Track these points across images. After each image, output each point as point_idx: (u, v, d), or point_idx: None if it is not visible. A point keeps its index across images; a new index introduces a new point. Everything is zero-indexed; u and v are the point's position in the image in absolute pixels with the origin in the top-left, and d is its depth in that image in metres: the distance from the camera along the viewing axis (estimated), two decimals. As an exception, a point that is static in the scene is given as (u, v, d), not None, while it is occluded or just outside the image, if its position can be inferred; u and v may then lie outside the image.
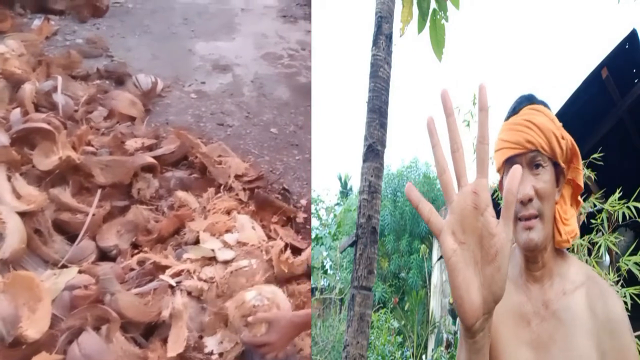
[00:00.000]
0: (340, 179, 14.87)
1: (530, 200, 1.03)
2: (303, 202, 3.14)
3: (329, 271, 9.57)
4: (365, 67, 2.83)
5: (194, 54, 4.87)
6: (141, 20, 5.25)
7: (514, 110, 1.13)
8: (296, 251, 2.72)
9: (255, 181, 3.10)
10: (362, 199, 2.61)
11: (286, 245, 2.62)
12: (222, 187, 2.99)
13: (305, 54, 5.19)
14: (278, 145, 3.72)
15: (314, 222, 10.55)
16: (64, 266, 2.31)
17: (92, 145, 3.04)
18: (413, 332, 6.94)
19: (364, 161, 2.68)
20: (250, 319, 1.98)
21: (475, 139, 0.71)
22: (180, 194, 2.86)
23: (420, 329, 7.17)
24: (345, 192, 14.37)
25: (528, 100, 1.13)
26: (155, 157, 3.00)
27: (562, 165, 1.09)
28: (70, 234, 2.46)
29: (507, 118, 1.14)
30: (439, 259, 7.38)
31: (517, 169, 0.68)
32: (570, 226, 1.09)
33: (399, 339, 6.45)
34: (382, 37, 2.81)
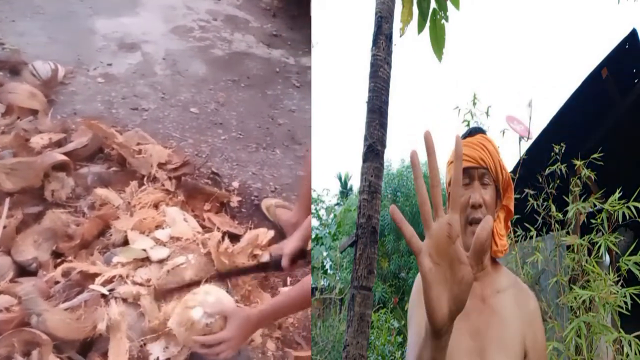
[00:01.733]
0: (340, 179, 14.78)
1: (480, 205, 1.27)
2: (235, 184, 3.01)
3: (329, 271, 9.52)
4: (365, 67, 2.85)
5: (96, 33, 4.48)
6: (31, 1, 4.75)
7: (470, 133, 1.39)
8: (234, 238, 2.61)
9: (181, 168, 2.93)
10: (362, 199, 2.60)
11: (223, 235, 2.50)
12: (145, 179, 2.80)
13: (218, 24, 4.93)
14: (200, 126, 3.53)
15: (314, 222, 10.42)
16: (-22, 289, 2.08)
17: (-8, 148, 2.74)
18: None
19: (364, 161, 2.67)
20: (203, 321, 1.88)
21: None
22: (100, 191, 2.65)
23: None
24: (345, 192, 14.33)
25: (481, 130, 1.40)
26: (66, 154, 2.74)
27: (501, 191, 1.35)
28: (-20, 252, 2.21)
29: (463, 138, 1.37)
30: None
31: (489, 219, 0.83)
32: (503, 241, 1.35)
33: (399, 339, 6.50)
34: (382, 37, 2.80)
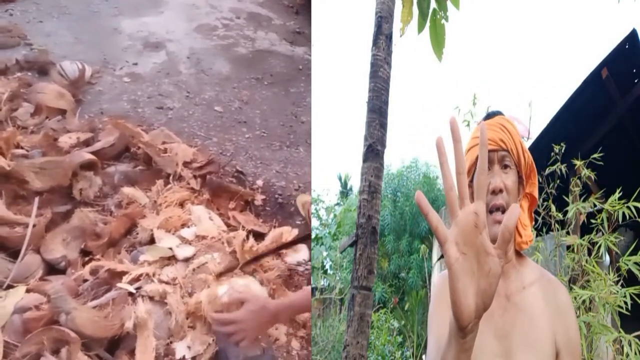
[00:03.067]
0: (340, 179, 14.80)
1: (500, 191, 1.18)
2: (259, 182, 3.02)
3: (329, 271, 9.58)
4: (365, 67, 2.83)
5: (121, 32, 4.54)
6: (58, 1, 4.82)
7: (488, 116, 1.30)
8: (258, 236, 2.62)
9: (206, 166, 2.94)
10: (362, 199, 2.59)
11: (248, 233, 2.50)
12: (171, 177, 2.82)
13: (241, 22, 4.94)
14: (225, 124, 3.55)
15: (314, 222, 10.51)
16: (9, 287, 2.11)
17: (22, 147, 2.79)
18: (413, 332, 7.00)
19: (364, 161, 2.66)
20: (225, 298, 1.92)
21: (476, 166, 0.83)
22: (127, 189, 2.68)
23: (420, 329, 7.20)
24: (345, 192, 14.33)
25: (500, 113, 1.31)
26: (93, 153, 2.78)
27: (523, 177, 1.25)
28: (11, 250, 2.24)
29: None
30: (439, 259, 7.32)
31: (515, 207, 0.77)
32: (528, 232, 1.27)
33: (399, 339, 6.49)
34: (382, 37, 2.78)
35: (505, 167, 1.21)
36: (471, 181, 1.22)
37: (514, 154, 1.22)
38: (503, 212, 1.16)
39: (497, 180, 1.18)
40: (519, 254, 1.27)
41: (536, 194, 1.31)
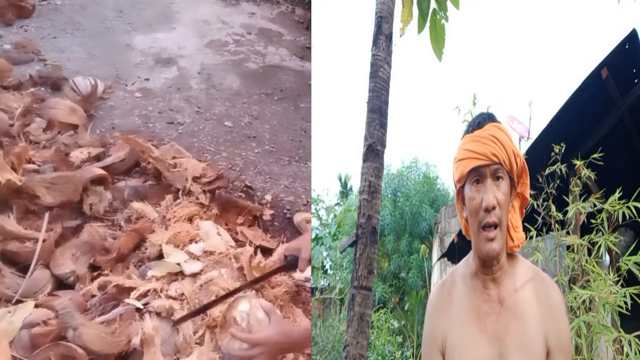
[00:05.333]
0: (340, 179, 14.82)
1: (494, 207, 1.17)
2: (268, 197, 3.02)
3: (329, 271, 9.53)
4: (365, 67, 2.81)
5: (133, 48, 4.60)
6: (72, 17, 4.91)
7: (479, 125, 1.25)
8: (266, 252, 2.61)
9: (215, 181, 2.95)
10: (362, 199, 2.57)
11: (256, 249, 2.50)
12: (180, 192, 2.83)
13: (252, 37, 4.99)
14: (234, 139, 3.56)
15: (314, 222, 10.50)
16: (18, 302, 2.13)
17: (34, 162, 2.82)
18: (413, 332, 6.97)
19: (364, 161, 2.63)
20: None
21: None
22: (137, 204, 2.69)
23: (420, 329, 7.15)
24: (345, 192, 14.33)
25: (490, 118, 1.27)
26: (104, 168, 2.80)
27: (515, 179, 1.25)
28: (20, 265, 2.26)
29: (470, 131, 1.25)
30: (439, 259, 7.30)
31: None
32: (520, 233, 1.26)
33: (399, 339, 6.48)
34: (382, 37, 2.77)
35: (498, 178, 1.20)
36: (462, 187, 1.24)
37: (506, 165, 1.20)
38: (495, 228, 1.18)
39: (490, 197, 1.17)
40: (510, 255, 1.27)
41: (527, 193, 1.30)
